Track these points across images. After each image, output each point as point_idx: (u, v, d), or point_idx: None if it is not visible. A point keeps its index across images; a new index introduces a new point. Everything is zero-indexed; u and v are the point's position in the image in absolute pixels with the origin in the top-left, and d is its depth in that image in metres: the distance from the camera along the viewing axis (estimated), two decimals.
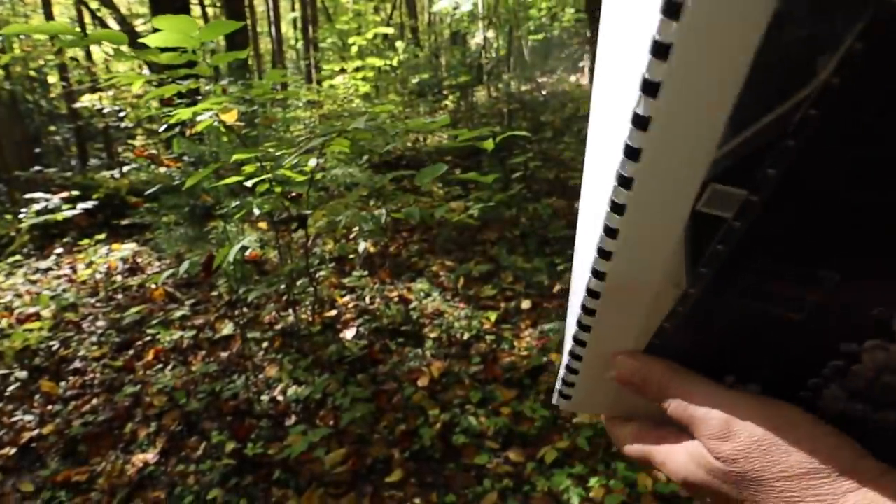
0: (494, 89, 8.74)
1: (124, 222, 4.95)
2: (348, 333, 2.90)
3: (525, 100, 6.25)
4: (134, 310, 3.43)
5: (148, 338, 3.14)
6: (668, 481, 1.80)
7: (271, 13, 10.86)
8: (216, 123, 2.18)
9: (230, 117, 2.11)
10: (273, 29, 10.78)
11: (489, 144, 2.05)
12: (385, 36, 11.10)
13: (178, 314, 3.30)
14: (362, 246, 2.56)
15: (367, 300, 3.23)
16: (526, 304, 3.00)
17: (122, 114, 6.94)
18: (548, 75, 8.49)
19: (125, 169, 6.73)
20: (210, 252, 2.11)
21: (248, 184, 1.82)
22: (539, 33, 11.78)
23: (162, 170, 4.66)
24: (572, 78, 8.99)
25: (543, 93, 6.99)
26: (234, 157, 1.78)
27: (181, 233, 3.26)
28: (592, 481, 1.77)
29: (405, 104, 8.02)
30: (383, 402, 2.37)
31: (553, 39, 11.68)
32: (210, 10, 11.37)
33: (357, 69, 7.75)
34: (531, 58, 8.83)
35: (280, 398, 2.46)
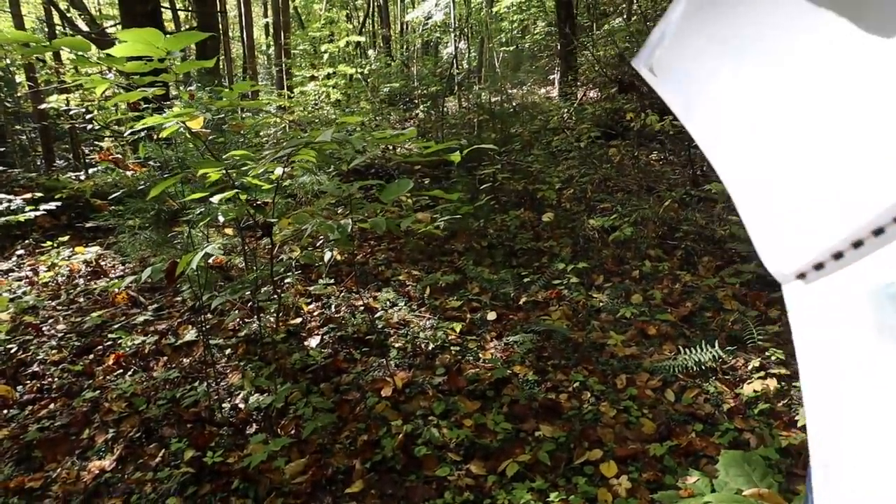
0: (465, 99, 8.77)
1: (88, 225, 4.77)
2: (313, 342, 2.85)
3: (495, 111, 6.28)
4: (96, 314, 3.30)
5: (109, 342, 3.02)
6: (628, 496, 1.80)
7: (243, 18, 10.68)
8: (182, 130, 2.11)
9: (196, 124, 2.05)
10: (244, 34, 10.60)
11: (456, 157, 2.04)
12: (357, 44, 11.03)
13: (140, 319, 3.19)
14: (328, 255, 2.52)
15: (333, 308, 3.18)
16: (492, 316, 2.99)
17: (88, 115, 6.72)
18: (518, 87, 8.56)
19: (91, 171, 6.50)
20: (174, 258, 2.04)
21: (216, 198, 1.76)
22: (510, 45, 11.90)
23: (128, 173, 4.51)
24: (542, 90, 9.08)
25: (514, 104, 7.03)
26: (200, 171, 1.73)
27: (146, 237, 3.16)
28: (553, 495, 1.76)
29: (376, 112, 7.97)
30: (346, 412, 2.32)
31: (524, 52, 11.80)
32: (182, 14, 11.12)
33: (328, 76, 7.67)
34: (502, 69, 8.89)
35: (241, 406, 2.39)
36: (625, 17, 11.00)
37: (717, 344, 2.34)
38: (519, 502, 1.74)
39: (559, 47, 9.02)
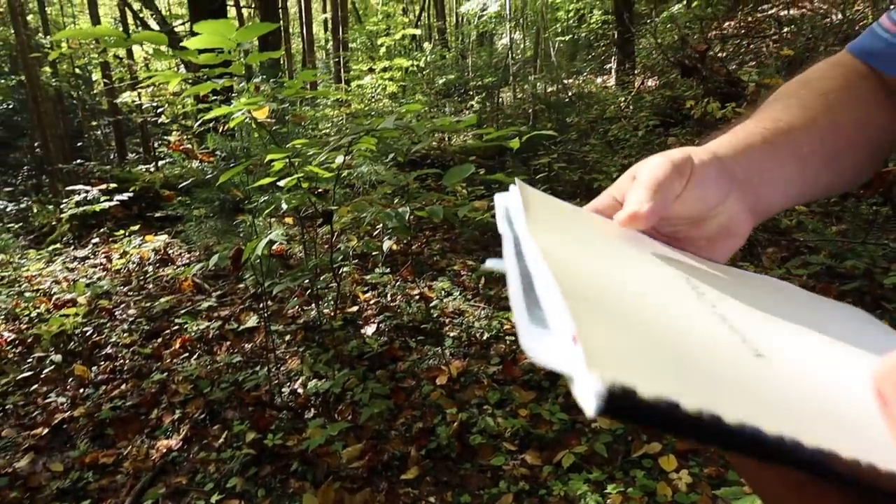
0: (520, 90, 8.67)
1: (157, 214, 5.04)
2: (369, 329, 2.89)
3: (551, 101, 6.17)
4: (163, 299, 3.48)
5: (176, 327, 3.18)
6: (689, 491, 1.74)
7: (303, 14, 10.95)
8: (248, 120, 2.18)
9: (262, 114, 2.11)
10: (304, 30, 10.87)
11: (515, 143, 2.01)
12: (413, 37, 11.11)
13: (205, 305, 3.33)
14: (386, 244, 2.54)
15: (389, 297, 3.22)
16: None
17: (159, 110, 7.08)
18: (574, 77, 8.38)
19: (160, 163, 6.86)
20: (238, 245, 2.12)
21: (282, 183, 1.81)
22: (566, 35, 11.65)
23: (195, 164, 4.72)
24: (598, 80, 8.85)
25: (569, 94, 6.89)
26: (268, 156, 1.78)
27: (211, 226, 3.30)
28: (610, 488, 1.72)
29: (431, 104, 8.00)
30: (401, 399, 2.34)
31: (580, 41, 11.54)
32: (245, 12, 11.51)
33: (385, 69, 7.76)
34: (557, 59, 8.73)
35: (300, 391, 2.46)
36: (685, 1, 10.56)
37: None
38: (575, 493, 1.70)
39: (616, 35, 8.75)
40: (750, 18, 10.29)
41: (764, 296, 0.33)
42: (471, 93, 9.55)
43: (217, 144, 3.10)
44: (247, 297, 3.41)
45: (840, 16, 6.74)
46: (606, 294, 0.24)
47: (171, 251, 4.45)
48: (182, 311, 3.31)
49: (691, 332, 0.24)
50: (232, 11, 10.79)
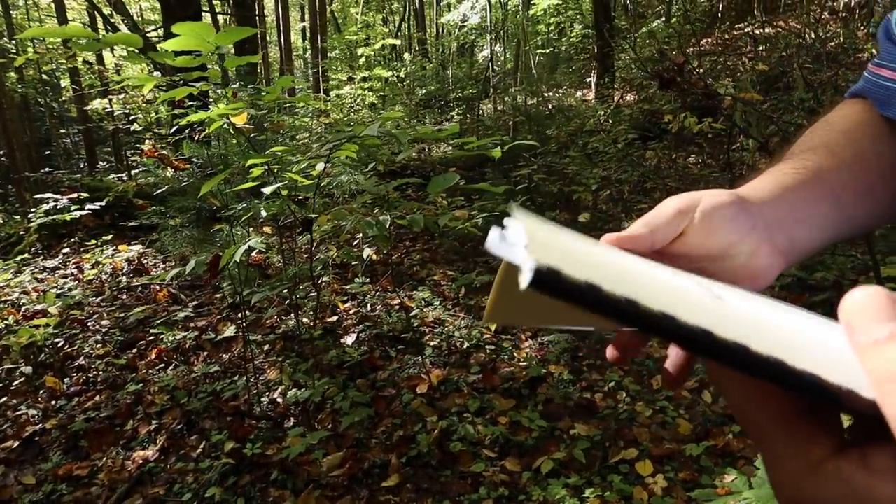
0: (501, 102, 8.82)
1: (131, 224, 5.01)
2: (349, 339, 2.93)
3: (531, 113, 6.31)
4: (138, 310, 3.46)
5: (151, 337, 3.17)
6: (664, 495, 1.81)
7: (280, 22, 11.01)
8: (226, 126, 2.23)
9: (240, 120, 2.16)
10: (281, 38, 10.92)
11: (497, 153, 2.09)
12: (393, 47, 11.23)
13: (181, 315, 3.33)
14: (366, 252, 2.59)
15: (369, 307, 3.26)
16: None
17: (132, 118, 7.03)
18: (554, 90, 8.57)
19: (133, 172, 6.80)
20: (216, 253, 2.15)
21: (266, 191, 1.85)
22: (547, 48, 11.91)
23: (169, 172, 4.71)
24: (579, 93, 9.06)
25: (550, 107, 7.05)
26: (248, 162, 1.83)
27: (187, 235, 3.31)
28: (588, 492, 1.79)
29: (412, 115, 8.10)
30: (382, 408, 2.38)
31: (560, 54, 11.79)
32: (221, 18, 11.51)
33: (364, 79, 7.84)
34: (538, 72, 8.92)
35: (280, 400, 2.48)
36: (664, 18, 10.89)
37: None
38: (554, 498, 1.76)
39: (596, 49, 8.99)
40: (727, 36, 10.66)
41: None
42: (451, 104, 9.69)
43: (193, 152, 3.13)
44: (224, 307, 3.42)
45: (813, 35, 7.04)
46: (582, 248, 0.26)
47: (145, 261, 4.43)
48: (157, 322, 3.31)
49: (656, 277, 0.26)
50: (207, 18, 10.78)
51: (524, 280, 0.20)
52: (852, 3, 8.56)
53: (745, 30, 10.40)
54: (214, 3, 10.42)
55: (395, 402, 2.41)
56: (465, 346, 2.78)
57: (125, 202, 5.28)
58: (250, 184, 2.05)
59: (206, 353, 2.96)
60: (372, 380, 2.57)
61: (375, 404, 2.39)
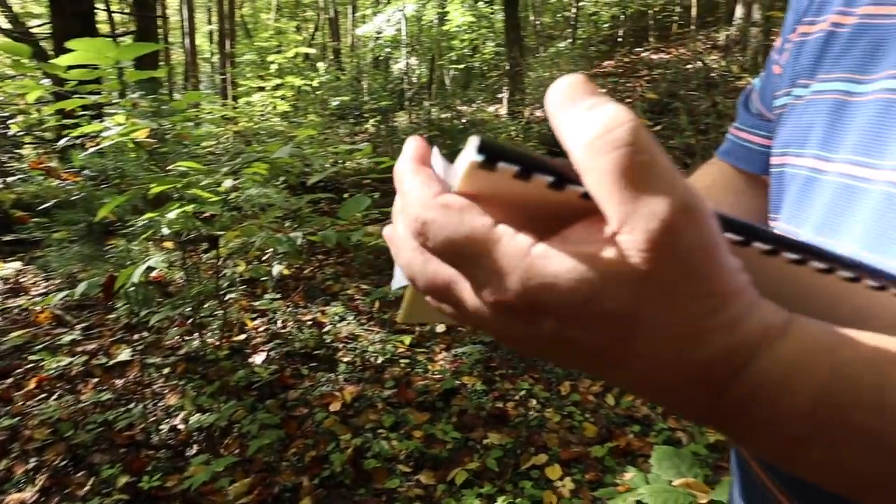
0: (415, 115, 8.92)
1: (7, 238, 4.54)
2: (258, 358, 2.83)
3: (444, 127, 6.44)
4: (14, 334, 3.14)
5: (30, 364, 2.89)
6: (572, 497, 1.90)
7: (185, 24, 10.51)
8: (125, 139, 2.10)
9: (142, 134, 2.05)
10: (186, 40, 10.42)
11: None
12: (306, 56, 11.04)
13: (67, 339, 3.06)
14: (276, 269, 2.53)
15: (280, 324, 3.17)
16: (440, 328, 3.07)
17: (9, 121, 6.40)
18: (468, 104, 8.80)
19: (9, 179, 6.18)
20: (109, 273, 2.01)
21: (170, 216, 1.76)
22: (460, 63, 12.21)
23: (55, 183, 4.33)
24: (491, 108, 9.36)
25: (463, 121, 7.23)
26: (153, 189, 1.73)
27: (76, 251, 3.05)
28: (500, 500, 1.84)
29: (325, 125, 7.99)
30: (293, 429, 2.32)
31: (474, 70, 12.13)
32: (117, 17, 10.80)
33: (276, 87, 7.64)
34: (452, 86, 9.12)
35: (181, 427, 2.35)
36: (570, 41, 11.53)
37: None
38: None
39: (508, 67, 9.35)
40: (626, 59, 11.47)
41: None
42: (366, 115, 9.66)
43: (85, 163, 2.91)
44: (118, 329, 3.18)
45: (700, 63, 7.74)
46: None
47: (24, 280, 4.03)
48: (38, 347, 3.02)
49: None
50: (101, 14, 10.07)
51: (471, 151, 0.20)
52: (730, 38, 9.51)
53: (642, 54, 11.24)
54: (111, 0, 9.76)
55: (308, 421, 2.36)
56: (379, 361, 2.78)
57: (2, 214, 4.78)
58: (152, 214, 1.94)
59: (96, 380, 2.74)
60: (283, 400, 2.49)
61: (286, 425, 2.33)
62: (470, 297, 0.24)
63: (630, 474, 1.76)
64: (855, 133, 0.43)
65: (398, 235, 0.26)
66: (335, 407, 2.42)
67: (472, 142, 0.21)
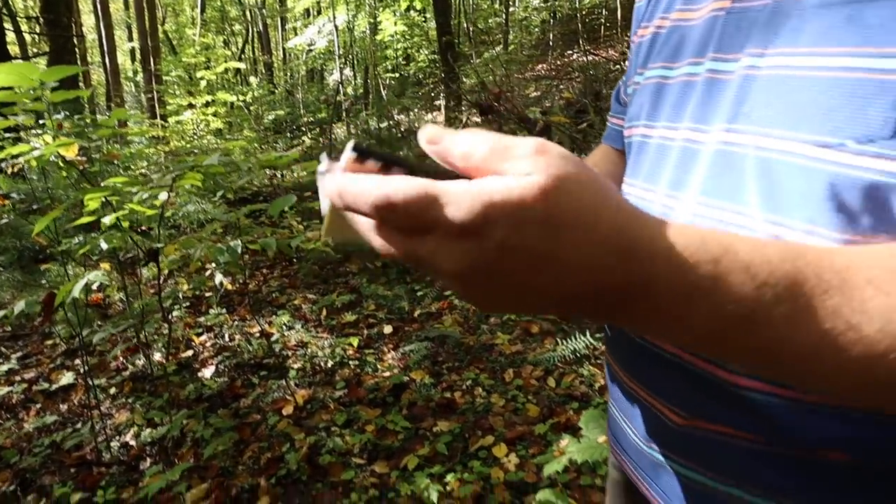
0: (353, 126, 9.03)
1: None
2: (207, 372, 2.89)
3: (382, 136, 6.59)
4: None
5: None
6: (517, 470, 2.08)
7: (104, 42, 10.23)
8: (54, 159, 2.15)
9: (71, 152, 2.10)
10: (106, 59, 10.14)
11: None
12: (237, 70, 10.96)
13: (3, 368, 3.02)
14: (219, 278, 2.61)
15: (227, 337, 3.23)
16: (388, 329, 3.21)
17: None
18: (405, 113, 8.99)
19: None
20: (50, 290, 2.05)
21: (106, 220, 1.83)
22: (395, 72, 12.40)
23: None
24: (429, 115, 9.58)
25: (401, 130, 7.41)
26: (86, 196, 1.80)
27: (7, 278, 3.02)
28: (449, 477, 2.00)
29: (261, 141, 7.98)
30: (247, 434, 2.41)
31: (409, 78, 12.34)
32: (28, 37, 10.42)
33: (207, 104, 7.58)
34: (388, 96, 9.29)
35: (133, 442, 2.39)
36: (502, 45, 11.95)
37: (588, 333, 2.74)
38: (419, 488, 1.95)
39: (442, 75, 9.62)
40: (558, 62, 11.98)
41: None
42: (303, 129, 9.69)
43: (10, 187, 2.88)
44: (57, 355, 3.16)
45: (619, 66, 8.23)
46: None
47: None
48: None
49: None
50: (10, 34, 9.68)
51: (349, 150, 0.34)
52: None
53: (573, 57, 11.77)
54: (19, 19, 9.42)
55: (261, 426, 2.45)
56: (329, 365, 2.89)
57: None
58: (88, 218, 2.01)
59: (38, 406, 2.73)
60: (235, 409, 2.57)
61: (240, 431, 2.41)
62: (432, 242, 0.31)
63: (565, 441, 1.96)
64: (669, 106, 0.58)
65: (362, 224, 0.34)
66: (288, 411, 2.52)
67: (349, 145, 0.35)
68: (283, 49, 14.99)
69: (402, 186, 0.30)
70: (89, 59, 12.45)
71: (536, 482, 2.01)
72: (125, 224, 2.14)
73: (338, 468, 2.20)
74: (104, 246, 2.06)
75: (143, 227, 2.32)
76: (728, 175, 0.49)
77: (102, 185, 2.13)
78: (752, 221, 0.46)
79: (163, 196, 2.18)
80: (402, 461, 2.18)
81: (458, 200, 0.29)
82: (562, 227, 0.30)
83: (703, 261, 0.33)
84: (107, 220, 1.84)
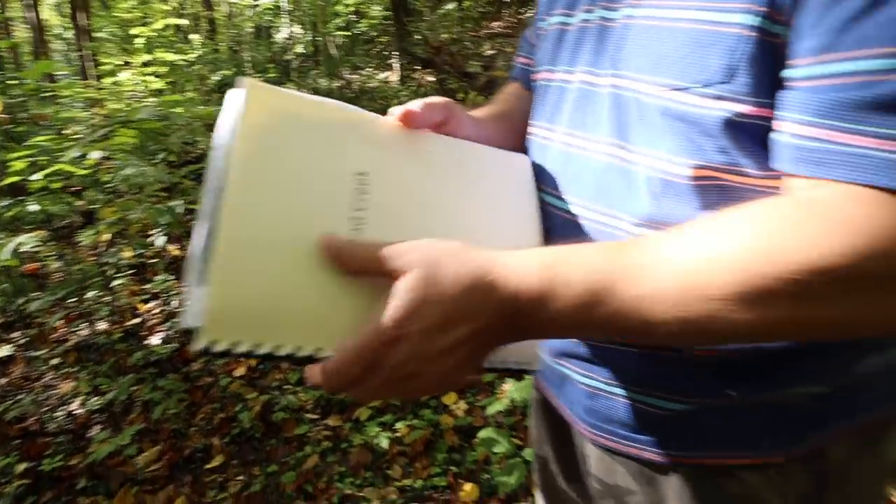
0: (303, 86, 8.77)
1: None
2: (155, 339, 2.86)
3: (334, 97, 6.44)
4: None
5: None
6: (466, 415, 2.17)
7: None
8: None
9: None
10: (31, 13, 9.48)
11: None
12: (177, 27, 10.41)
13: None
14: (160, 241, 2.56)
15: (175, 304, 3.18)
16: None
17: None
18: (356, 72, 8.78)
19: None
20: None
21: (37, 176, 1.76)
22: (347, 30, 12.02)
23: None
24: (383, 74, 9.39)
25: (354, 89, 7.25)
26: (11, 155, 1.73)
27: None
28: (399, 425, 2.07)
29: (206, 102, 7.68)
30: (199, 397, 2.42)
31: (361, 36, 12.01)
32: None
33: (146, 64, 7.21)
34: (338, 54, 9.04)
35: (79, 411, 2.37)
36: (457, 2, 11.72)
37: None
38: (369, 435, 2.02)
39: (396, 31, 9.39)
40: (513, 20, 11.84)
41: (434, 164, 0.58)
42: None
43: None
44: None
45: None
46: (261, 237, 0.43)
47: None
48: None
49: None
50: None
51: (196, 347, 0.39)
52: None
53: (525, 15, 11.66)
54: None
55: (213, 388, 2.46)
56: None
57: None
58: (13, 178, 1.93)
59: None
60: (185, 373, 2.56)
61: (192, 394, 2.41)
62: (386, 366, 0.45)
63: (508, 385, 2.04)
64: (567, 52, 0.64)
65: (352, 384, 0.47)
66: (240, 372, 2.53)
67: (239, 83, 0.40)
68: (228, 4, 14.30)
69: (345, 356, 0.45)
70: (10, 13, 11.62)
71: (484, 425, 2.10)
72: (56, 185, 2.07)
73: (291, 424, 2.24)
74: (35, 208, 1.99)
75: (78, 188, 2.24)
76: (621, 115, 0.55)
77: (28, 145, 2.05)
78: (635, 156, 0.54)
79: (95, 154, 2.10)
80: (355, 413, 2.23)
81: (380, 330, 0.43)
82: (441, 302, 0.43)
83: (542, 283, 0.44)
84: (36, 177, 1.77)
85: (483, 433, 1.77)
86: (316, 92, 7.39)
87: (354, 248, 0.47)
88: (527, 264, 0.45)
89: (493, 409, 1.76)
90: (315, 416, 2.27)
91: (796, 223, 0.39)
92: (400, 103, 0.63)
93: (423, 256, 0.44)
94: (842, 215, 0.38)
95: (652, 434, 0.58)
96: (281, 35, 12.33)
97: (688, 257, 0.41)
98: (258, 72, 9.03)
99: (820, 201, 0.40)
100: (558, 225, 0.62)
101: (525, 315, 0.44)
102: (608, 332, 0.48)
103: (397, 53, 9.39)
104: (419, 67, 9.02)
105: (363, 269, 0.47)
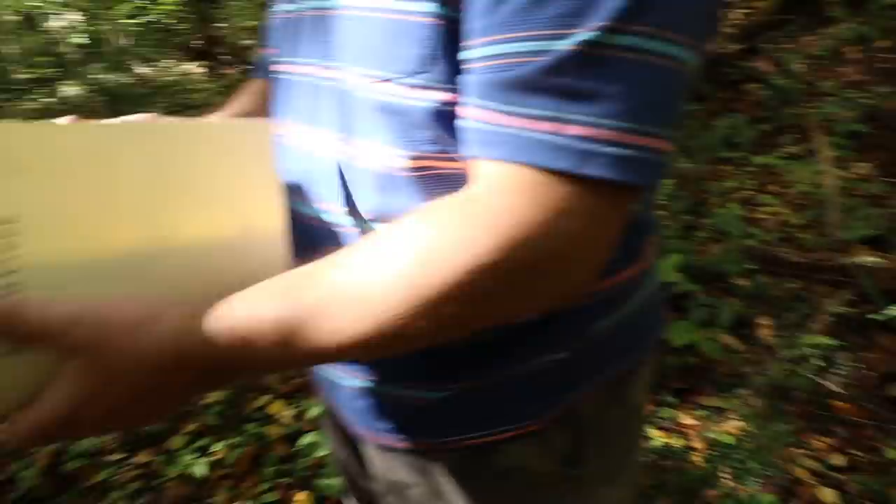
0: (87, 82, 7.75)
1: None
2: None
3: (123, 93, 5.78)
4: None
5: None
6: (295, 422, 2.08)
7: None
8: None
9: None
10: None
11: None
12: None
13: None
14: None
15: None
16: None
17: None
18: (152, 66, 7.98)
19: None
20: None
21: None
22: (138, 17, 10.83)
23: None
24: (182, 67, 8.64)
25: (147, 84, 6.57)
26: None
27: None
28: (216, 446, 1.92)
29: None
30: None
31: (156, 24, 10.91)
32: None
33: None
34: (130, 46, 8.13)
35: None
36: None
37: None
38: (184, 465, 1.85)
39: (199, 19, 8.65)
40: None
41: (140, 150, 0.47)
42: (22, 88, 8.04)
43: None
44: None
45: None
46: None
47: None
48: None
49: None
50: None
51: None
52: None
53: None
54: None
55: None
56: None
57: None
58: None
59: None
60: None
61: None
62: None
63: None
64: (289, 42, 0.61)
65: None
66: None
67: None
68: None
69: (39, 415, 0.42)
70: None
71: (312, 429, 2.04)
72: None
73: (90, 470, 1.97)
74: None
75: None
76: (343, 109, 0.54)
77: None
78: (359, 151, 0.53)
79: None
80: (165, 444, 2.03)
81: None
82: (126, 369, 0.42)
83: (232, 349, 0.43)
84: None
85: (305, 438, 1.71)
86: (102, 89, 6.57)
87: (9, 316, 0.42)
88: (216, 330, 0.43)
89: (313, 413, 1.71)
90: (121, 456, 2.02)
91: (448, 227, 0.41)
92: (205, 98, 0.55)
93: (89, 335, 0.41)
94: (487, 213, 0.40)
95: (416, 424, 0.60)
96: (56, 23, 10.74)
97: (360, 282, 0.42)
98: (26, 67, 7.78)
99: (472, 198, 0.42)
100: (300, 229, 0.59)
101: (220, 375, 0.45)
102: (311, 365, 0.54)
103: (201, 43, 8.68)
104: (228, 57, 8.43)
105: (25, 340, 0.42)
